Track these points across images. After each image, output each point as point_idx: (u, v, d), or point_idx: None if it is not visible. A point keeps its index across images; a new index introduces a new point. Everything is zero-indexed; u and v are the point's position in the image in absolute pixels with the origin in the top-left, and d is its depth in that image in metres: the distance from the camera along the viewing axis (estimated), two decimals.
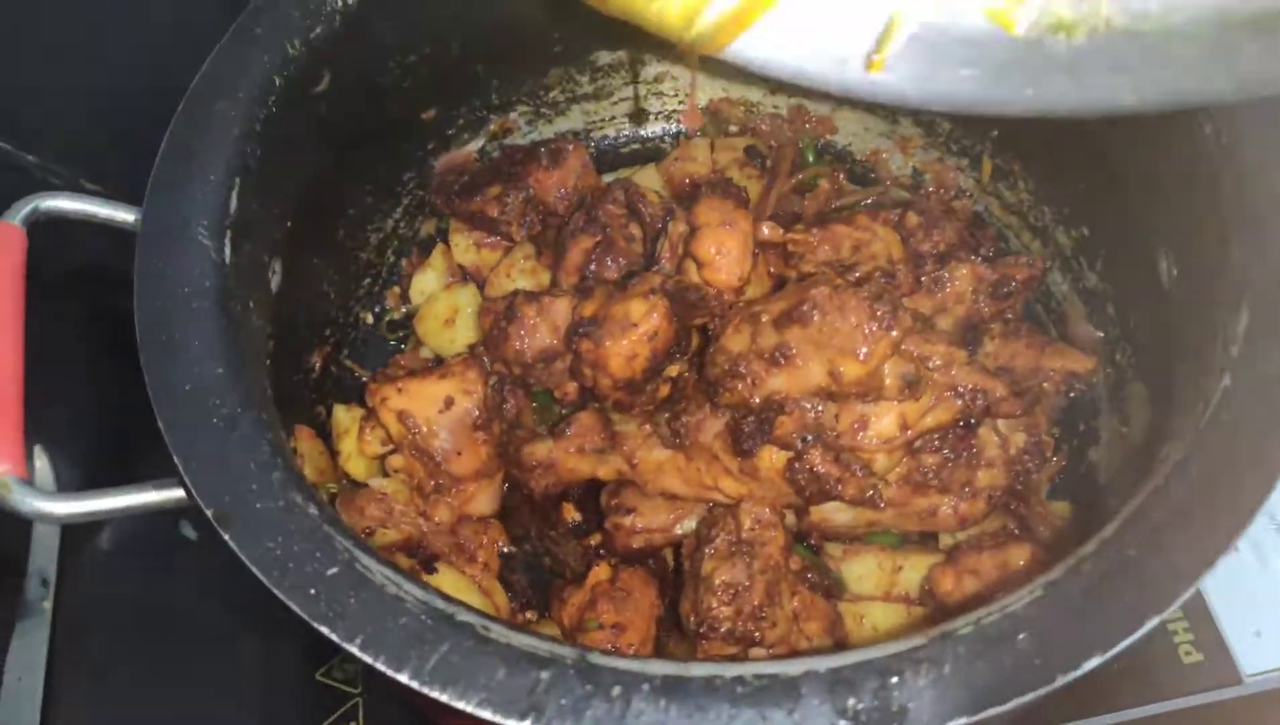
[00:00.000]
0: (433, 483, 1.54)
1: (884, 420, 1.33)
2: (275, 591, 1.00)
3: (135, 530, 1.81)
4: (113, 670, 1.69)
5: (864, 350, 1.27)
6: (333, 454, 1.60)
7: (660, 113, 1.97)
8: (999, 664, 0.93)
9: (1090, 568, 1.00)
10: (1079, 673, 0.93)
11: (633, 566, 1.51)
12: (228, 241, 1.26)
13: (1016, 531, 1.48)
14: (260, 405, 1.15)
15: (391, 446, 1.55)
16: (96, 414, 1.89)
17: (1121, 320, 1.58)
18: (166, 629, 1.71)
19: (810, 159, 1.90)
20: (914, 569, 1.48)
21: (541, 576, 1.61)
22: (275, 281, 1.45)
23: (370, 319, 1.80)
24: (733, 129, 1.95)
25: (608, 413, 1.53)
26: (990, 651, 0.94)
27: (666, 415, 1.46)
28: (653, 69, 1.92)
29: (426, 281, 1.80)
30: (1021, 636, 0.95)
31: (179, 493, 1.11)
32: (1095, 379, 1.59)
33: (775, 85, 1.92)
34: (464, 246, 1.80)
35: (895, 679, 0.93)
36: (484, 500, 1.58)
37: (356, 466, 1.58)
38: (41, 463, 1.78)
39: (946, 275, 1.53)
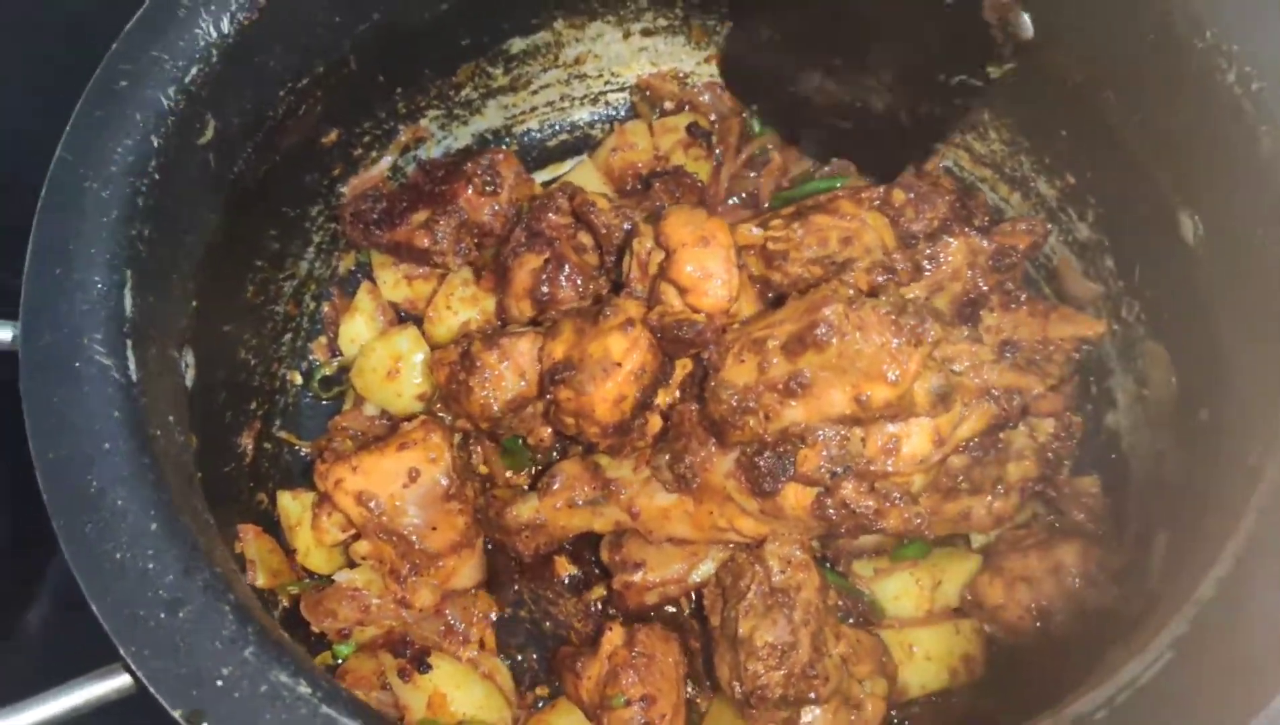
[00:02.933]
0: (407, 565, 1.36)
1: (916, 438, 1.19)
2: None
3: None
4: None
5: (894, 372, 1.12)
6: (286, 550, 1.39)
7: (586, 96, 1.77)
8: None
9: (1217, 615, 0.87)
10: None
11: (648, 622, 1.36)
12: (130, 353, 1.04)
13: (1055, 523, 1.38)
14: (208, 557, 0.95)
15: (353, 531, 1.36)
16: None
17: (1124, 274, 1.47)
18: None
19: (756, 127, 1.73)
20: (952, 580, 1.37)
21: (543, 642, 1.45)
22: (189, 376, 1.23)
23: (299, 379, 1.58)
24: (668, 105, 1.76)
25: (594, 458, 1.36)
26: None
27: (666, 456, 1.29)
28: (572, 50, 1.71)
29: (356, 328, 1.58)
30: (1163, 713, 0.83)
31: (127, 679, 0.91)
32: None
33: (707, 52, 1.74)
34: (392, 282, 1.59)
35: None
36: (467, 573, 1.40)
37: (317, 560, 1.39)
38: None
39: (940, 252, 1.38)
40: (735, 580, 1.26)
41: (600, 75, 1.75)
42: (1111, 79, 1.30)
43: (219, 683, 0.86)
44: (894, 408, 1.15)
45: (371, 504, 1.32)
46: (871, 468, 1.19)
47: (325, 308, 1.62)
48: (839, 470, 1.17)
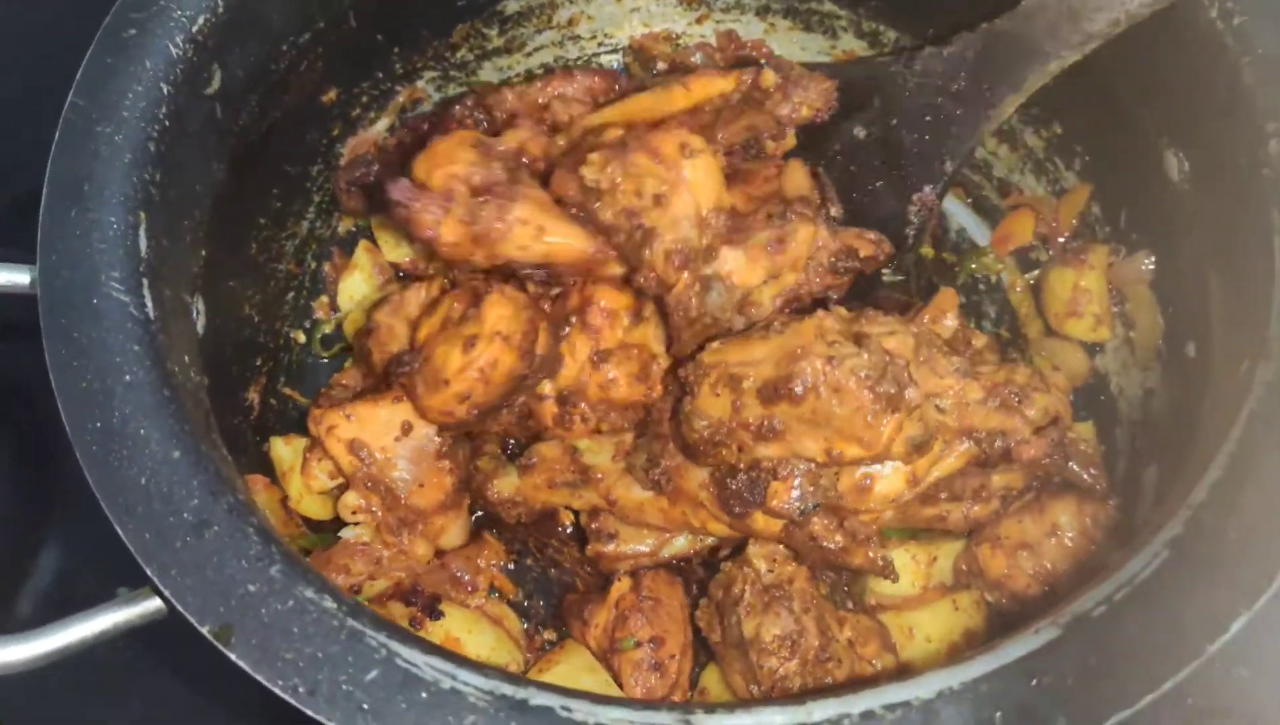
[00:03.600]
0: (394, 518, 1.36)
1: (890, 479, 1.18)
2: (307, 710, 0.84)
3: None
4: None
5: (867, 437, 1.10)
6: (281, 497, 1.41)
7: (579, 58, 1.79)
8: (1145, 644, 0.85)
9: (1210, 517, 0.91)
10: (1228, 635, 0.85)
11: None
12: (146, 291, 1.06)
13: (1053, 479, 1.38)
14: (230, 484, 0.97)
15: (341, 480, 1.37)
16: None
17: (1110, 219, 1.51)
18: None
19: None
20: (946, 556, 1.37)
21: (550, 589, 1.47)
22: (200, 322, 1.25)
23: (302, 337, 1.60)
24: (661, 67, 1.78)
25: (572, 443, 1.36)
26: (1131, 631, 0.85)
27: (644, 456, 1.28)
28: (565, 11, 1.73)
29: (354, 285, 1.60)
30: (1158, 607, 0.86)
31: (156, 602, 0.93)
32: None
33: (699, 13, 1.76)
34: (392, 242, 1.61)
35: (1036, 681, 0.83)
36: (454, 532, 1.40)
37: (310, 507, 1.40)
38: None
39: (786, 236, 1.28)
40: (727, 590, 1.27)
41: (594, 37, 1.77)
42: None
43: (246, 600, 0.88)
44: (866, 462, 1.16)
45: (362, 453, 1.32)
46: (842, 503, 1.19)
47: (326, 267, 1.63)
48: (809, 507, 1.16)
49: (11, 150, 1.66)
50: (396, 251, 1.61)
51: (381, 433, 1.33)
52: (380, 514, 1.35)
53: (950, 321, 1.29)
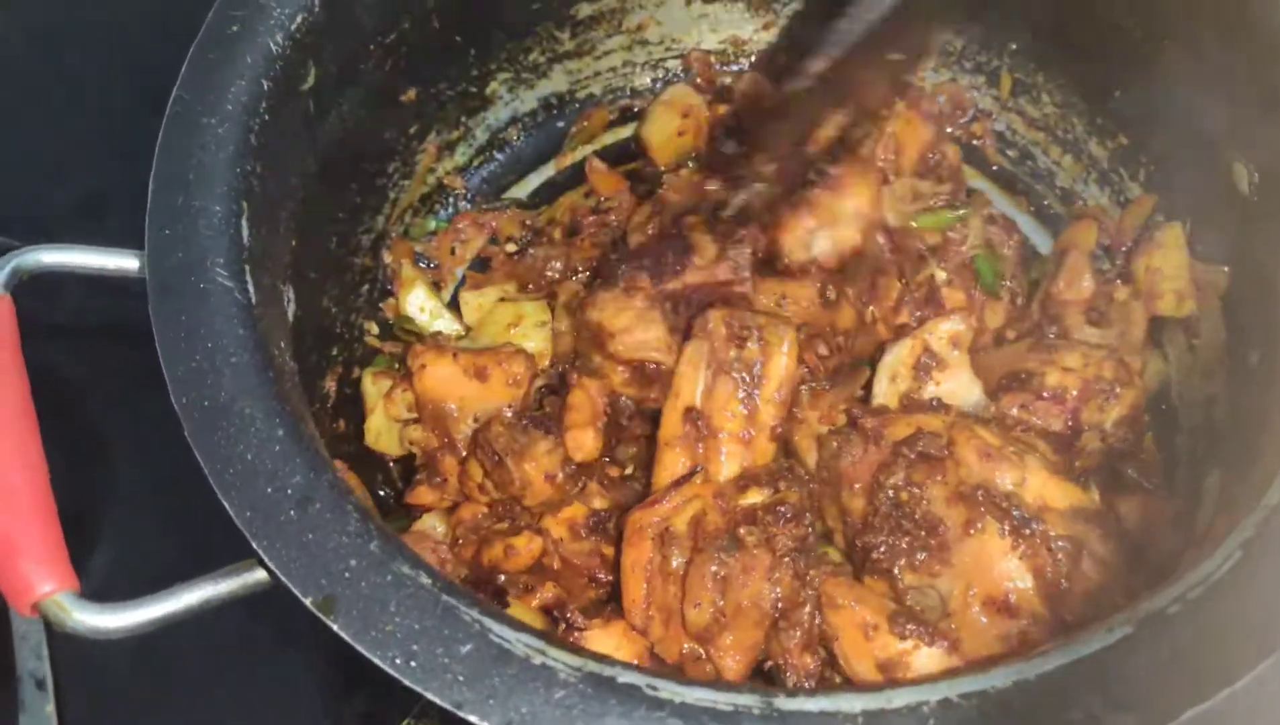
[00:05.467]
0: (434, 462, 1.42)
1: None
2: (406, 681, 0.88)
3: None
4: None
5: None
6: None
7: (646, 63, 1.82)
8: (1218, 641, 0.87)
9: (1241, 556, 0.92)
10: None
11: None
12: (249, 278, 1.10)
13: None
14: (329, 465, 1.01)
15: (415, 415, 1.43)
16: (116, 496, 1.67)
17: None
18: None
19: None
20: None
21: None
22: (291, 310, 1.29)
23: (375, 328, 1.64)
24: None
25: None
26: (1204, 629, 0.87)
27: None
28: (635, 16, 1.77)
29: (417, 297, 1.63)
30: (1231, 606, 0.88)
31: (260, 574, 0.97)
32: None
33: (766, 19, 1.80)
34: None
35: (1110, 676, 0.86)
36: None
37: (387, 441, 1.48)
38: None
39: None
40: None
41: (661, 42, 1.81)
42: (1171, 31, 1.34)
43: (347, 574, 0.92)
44: None
45: (445, 403, 1.39)
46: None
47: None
48: None
49: (70, 151, 1.76)
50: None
51: (462, 389, 1.39)
52: (431, 453, 1.42)
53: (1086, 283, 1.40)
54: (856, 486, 1.20)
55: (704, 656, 1.14)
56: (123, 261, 1.12)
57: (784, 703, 0.86)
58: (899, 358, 1.31)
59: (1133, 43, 1.41)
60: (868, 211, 1.41)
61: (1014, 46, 1.65)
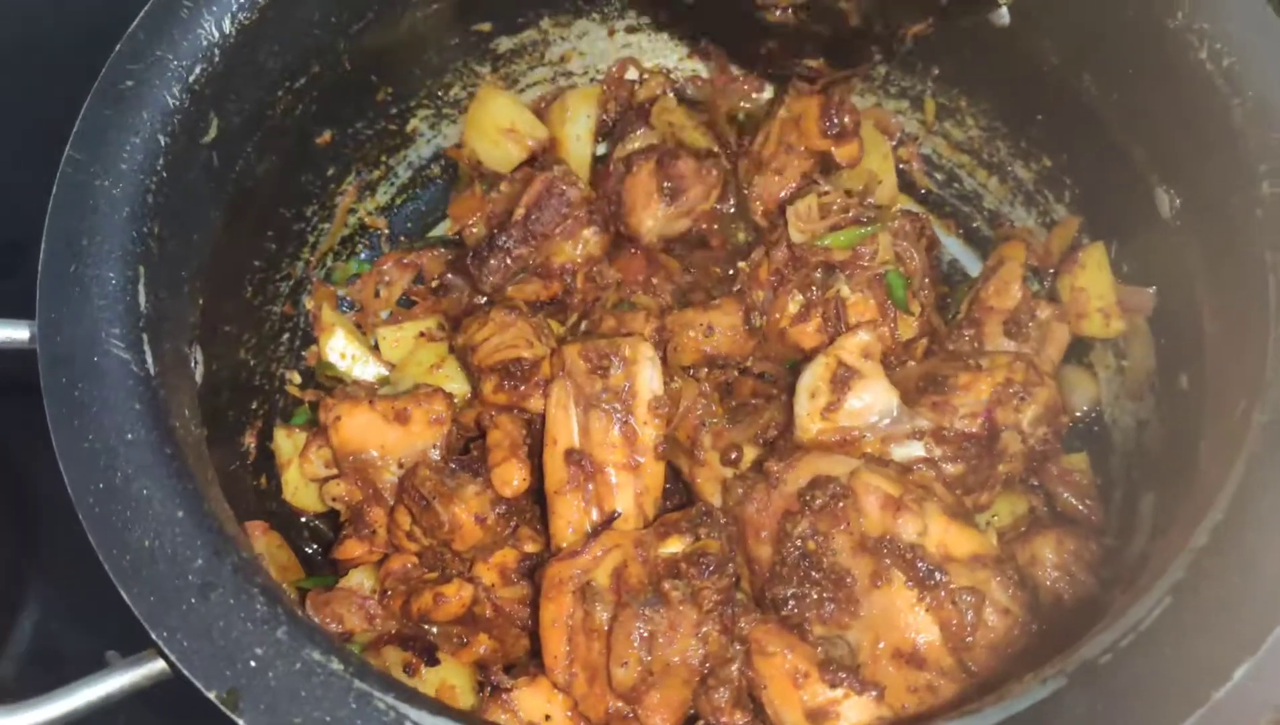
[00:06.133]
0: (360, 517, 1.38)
1: None
2: None
3: None
4: None
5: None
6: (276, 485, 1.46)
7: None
8: (1150, 691, 0.85)
9: (1211, 562, 0.92)
10: (1231, 683, 0.85)
11: None
12: (146, 347, 1.06)
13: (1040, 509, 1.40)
14: (236, 543, 0.97)
15: (334, 472, 1.39)
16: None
17: None
18: None
19: (741, 118, 1.77)
20: None
21: None
22: (199, 372, 1.24)
23: (298, 378, 1.59)
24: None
25: None
26: (1136, 679, 0.86)
27: None
28: (557, 48, 1.74)
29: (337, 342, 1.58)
30: (1162, 655, 0.87)
31: (159, 665, 0.92)
32: None
33: (690, 49, 1.78)
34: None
35: None
36: None
37: (304, 498, 1.45)
38: None
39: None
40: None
41: (585, 72, 1.78)
42: (1089, 61, 1.34)
43: (253, 663, 0.88)
44: None
45: (365, 452, 1.36)
46: None
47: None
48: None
49: None
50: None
51: (382, 436, 1.36)
52: (353, 508, 1.39)
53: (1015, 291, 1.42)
54: (763, 534, 1.18)
55: (632, 716, 1.10)
56: (12, 332, 1.06)
57: None
58: (815, 375, 1.30)
59: (1051, 71, 1.41)
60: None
61: (936, 71, 1.64)
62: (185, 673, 0.87)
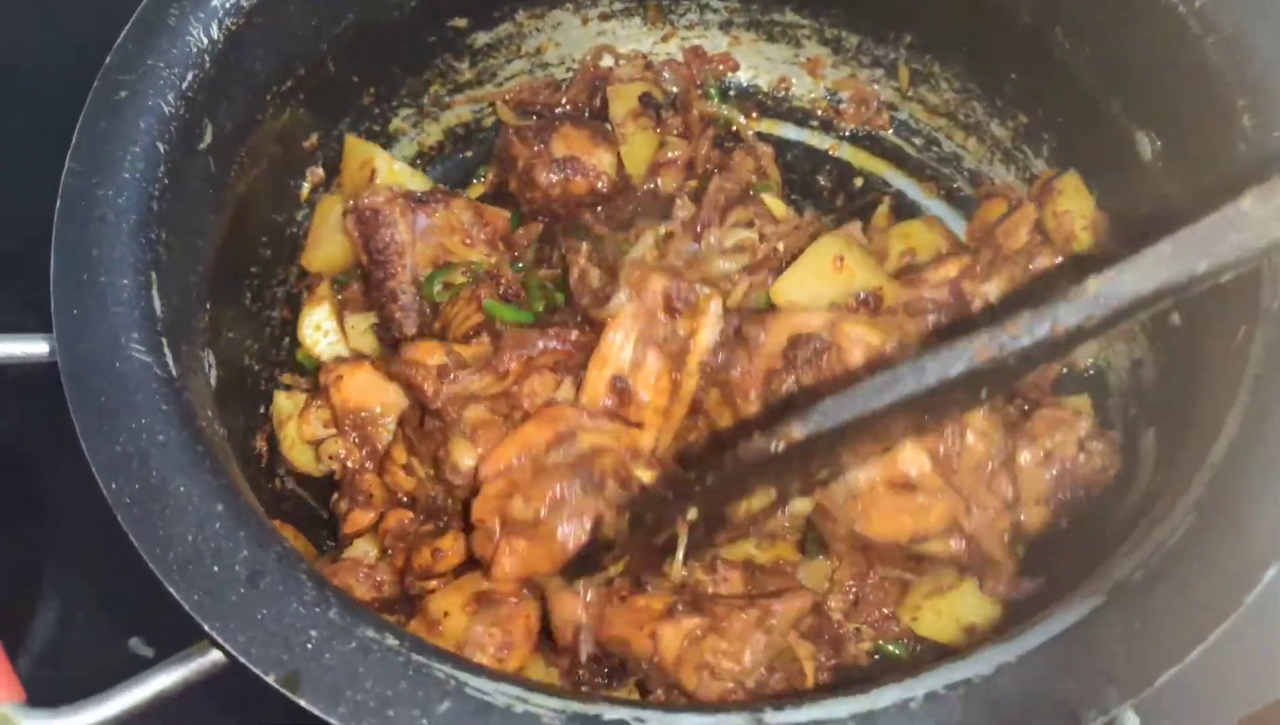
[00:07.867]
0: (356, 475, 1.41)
1: None
2: None
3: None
4: None
5: None
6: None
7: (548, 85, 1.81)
8: (1185, 602, 0.88)
9: (1230, 477, 0.95)
10: (1260, 586, 0.89)
11: None
12: (167, 351, 1.06)
13: None
14: (275, 535, 0.97)
15: (332, 432, 1.42)
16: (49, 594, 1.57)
17: None
18: None
19: (715, 99, 1.79)
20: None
21: None
22: (213, 376, 1.25)
23: (303, 382, 1.59)
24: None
25: None
26: (1171, 592, 0.89)
27: None
28: (533, 40, 1.75)
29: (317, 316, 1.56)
30: (1193, 567, 0.90)
31: (215, 656, 0.93)
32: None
33: (664, 31, 1.80)
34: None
35: (1086, 648, 0.87)
36: None
37: (302, 457, 1.46)
38: None
39: None
40: None
41: (562, 63, 1.80)
42: (1059, 15, 1.38)
43: (309, 645, 0.89)
44: None
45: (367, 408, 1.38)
46: None
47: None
48: None
49: None
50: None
51: (383, 393, 1.39)
52: (351, 468, 1.41)
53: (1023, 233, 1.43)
54: (752, 395, 1.20)
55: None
56: (31, 347, 1.06)
57: (772, 716, 0.85)
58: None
59: (1022, 27, 1.44)
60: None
61: (908, 39, 1.67)
62: (244, 661, 0.88)
